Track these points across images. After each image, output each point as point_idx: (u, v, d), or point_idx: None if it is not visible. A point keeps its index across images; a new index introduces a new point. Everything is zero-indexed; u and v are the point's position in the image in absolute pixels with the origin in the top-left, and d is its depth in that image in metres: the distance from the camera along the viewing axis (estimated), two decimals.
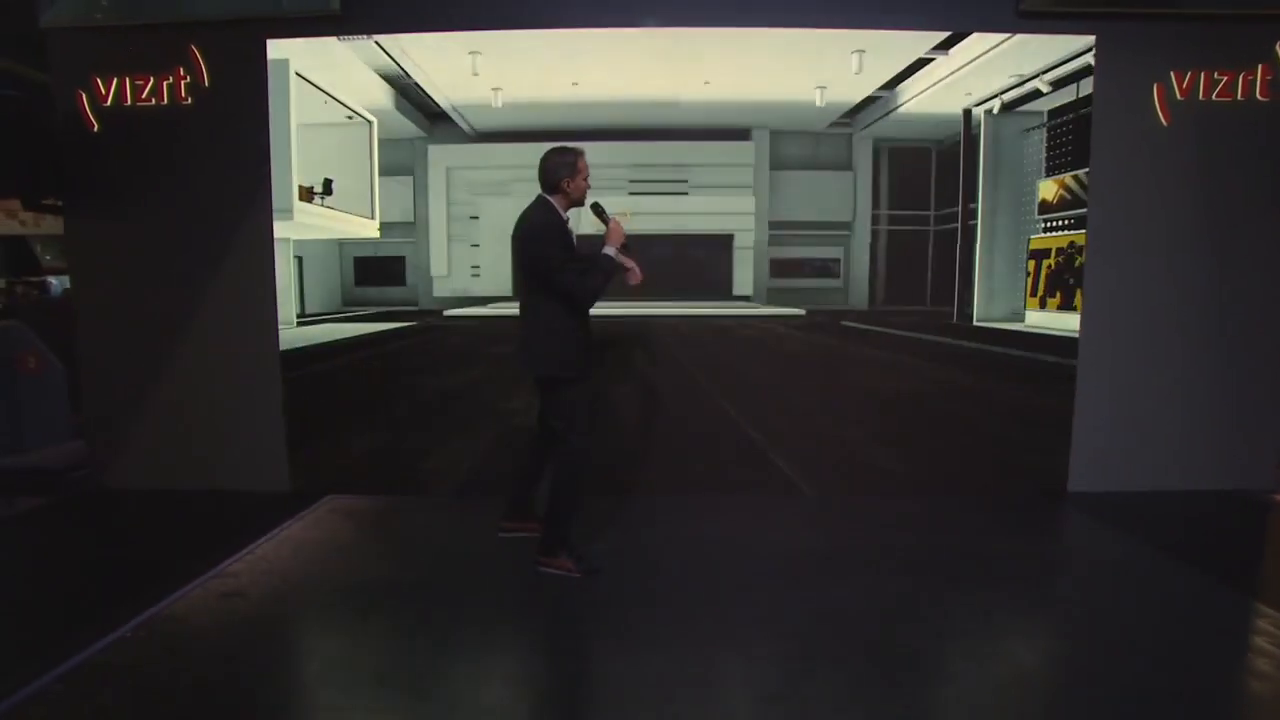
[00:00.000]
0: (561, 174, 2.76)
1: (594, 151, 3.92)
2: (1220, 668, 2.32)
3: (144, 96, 3.82)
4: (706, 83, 3.96)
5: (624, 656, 2.36)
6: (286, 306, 4.11)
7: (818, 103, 4.09)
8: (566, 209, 2.82)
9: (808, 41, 3.82)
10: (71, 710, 2.05)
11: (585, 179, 2.80)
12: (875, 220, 4.17)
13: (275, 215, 3.96)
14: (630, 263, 2.83)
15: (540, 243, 2.73)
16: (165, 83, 3.81)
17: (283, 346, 4.00)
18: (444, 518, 3.67)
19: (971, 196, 4.10)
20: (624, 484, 3.95)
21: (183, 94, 3.81)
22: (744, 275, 4.18)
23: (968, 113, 4.11)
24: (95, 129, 3.85)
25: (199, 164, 3.88)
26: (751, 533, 3.44)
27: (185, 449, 4.02)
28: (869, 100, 4.16)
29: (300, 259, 4.30)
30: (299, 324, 4.25)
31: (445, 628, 2.53)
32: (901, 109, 4.15)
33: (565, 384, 2.82)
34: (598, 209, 2.87)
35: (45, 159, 3.85)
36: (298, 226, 4.17)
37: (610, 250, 2.77)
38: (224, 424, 4.01)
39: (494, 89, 4.11)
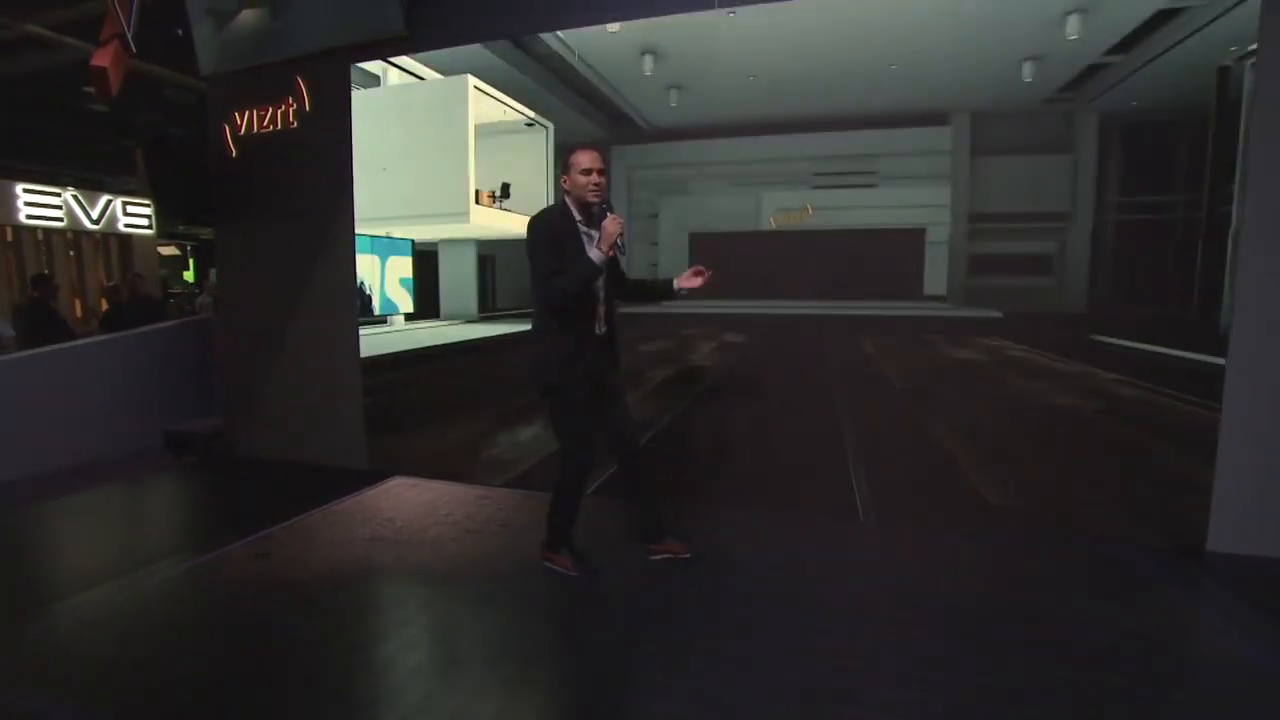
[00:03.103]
0: (560, 173, 2.70)
1: (774, 145, 3.81)
2: None
3: (264, 124, 4.51)
4: (893, 66, 3.59)
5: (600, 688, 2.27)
6: (466, 303, 4.62)
7: (1026, 77, 3.47)
8: (580, 209, 2.68)
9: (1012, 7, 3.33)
10: (87, 630, 2.49)
11: (581, 173, 2.62)
12: (1101, 209, 3.43)
13: (451, 218, 4.36)
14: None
15: (530, 245, 2.64)
16: (279, 111, 4.46)
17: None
18: (489, 506, 3.76)
19: (1229, 176, 3.12)
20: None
21: (291, 120, 4.43)
22: (937, 273, 3.72)
23: (1224, 70, 3.13)
24: (233, 155, 4.63)
25: (301, 178, 4.49)
26: (796, 560, 3.12)
27: (288, 427, 4.68)
28: (1095, 68, 3.37)
29: (493, 258, 4.64)
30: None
31: (413, 615, 2.64)
32: (1140, 74, 3.30)
33: (550, 394, 2.72)
34: (602, 210, 2.66)
35: (201, 183, 4.71)
36: (475, 228, 4.51)
37: (596, 254, 2.59)
38: (317, 408, 4.59)
39: (670, 88, 3.99)
